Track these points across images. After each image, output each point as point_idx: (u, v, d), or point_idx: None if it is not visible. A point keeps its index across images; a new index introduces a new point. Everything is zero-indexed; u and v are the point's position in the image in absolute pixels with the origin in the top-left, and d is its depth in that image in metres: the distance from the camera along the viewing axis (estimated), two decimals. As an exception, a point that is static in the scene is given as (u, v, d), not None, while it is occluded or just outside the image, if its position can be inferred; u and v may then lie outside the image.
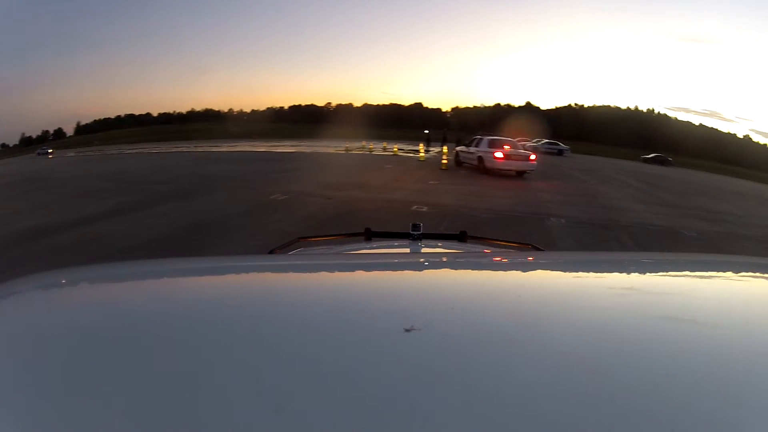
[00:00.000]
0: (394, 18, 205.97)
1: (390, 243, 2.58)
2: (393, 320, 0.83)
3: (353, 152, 38.28)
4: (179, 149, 38.49)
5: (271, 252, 2.21)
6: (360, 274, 1.37)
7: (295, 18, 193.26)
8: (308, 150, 39.14)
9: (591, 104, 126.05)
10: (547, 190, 20.52)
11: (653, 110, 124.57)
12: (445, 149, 28.43)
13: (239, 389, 0.63)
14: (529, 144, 56.49)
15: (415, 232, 2.25)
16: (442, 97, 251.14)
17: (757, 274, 1.37)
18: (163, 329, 0.87)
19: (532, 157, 25.33)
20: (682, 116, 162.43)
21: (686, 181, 36.60)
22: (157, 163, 27.53)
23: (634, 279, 1.31)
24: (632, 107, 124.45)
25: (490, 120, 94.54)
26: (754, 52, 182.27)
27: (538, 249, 2.36)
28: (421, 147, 35.67)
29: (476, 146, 26.62)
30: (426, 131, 52.18)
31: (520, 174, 25.16)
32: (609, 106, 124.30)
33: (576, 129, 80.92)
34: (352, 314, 0.94)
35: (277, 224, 11.02)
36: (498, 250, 2.49)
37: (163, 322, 0.90)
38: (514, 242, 2.65)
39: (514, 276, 1.36)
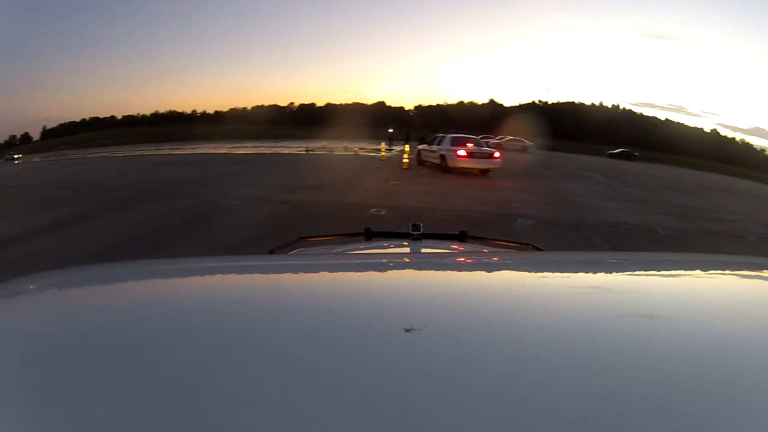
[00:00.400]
0: (357, 17, 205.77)
1: (390, 243, 2.59)
2: (393, 320, 0.84)
3: (314, 153, 37.71)
4: (140, 152, 37.82)
5: (271, 252, 2.22)
6: (360, 274, 1.38)
7: (256, 19, 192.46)
8: (269, 151, 38.43)
9: (555, 101, 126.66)
10: (513, 189, 20.04)
11: (618, 106, 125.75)
12: (407, 148, 27.81)
13: (239, 389, 0.64)
14: (492, 141, 56.18)
15: (415, 232, 2.28)
16: (405, 96, 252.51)
17: (757, 274, 1.39)
18: (164, 329, 0.88)
19: (496, 154, 24.83)
20: (648, 112, 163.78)
21: (654, 175, 36.39)
22: (115, 167, 26.60)
23: (634, 279, 1.34)
24: (597, 103, 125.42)
25: (453, 118, 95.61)
26: (719, 48, 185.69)
27: (538, 249, 2.36)
28: (383, 146, 35.30)
29: (438, 144, 26.00)
30: (390, 130, 51.36)
31: (483, 172, 24.71)
32: (573, 102, 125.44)
33: (540, 126, 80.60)
34: (352, 314, 0.95)
35: (223, 234, 10.32)
36: (498, 250, 2.50)
37: (163, 322, 0.92)
38: (514, 242, 2.73)
39: (514, 276, 1.38)
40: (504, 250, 2.54)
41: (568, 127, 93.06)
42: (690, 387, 0.68)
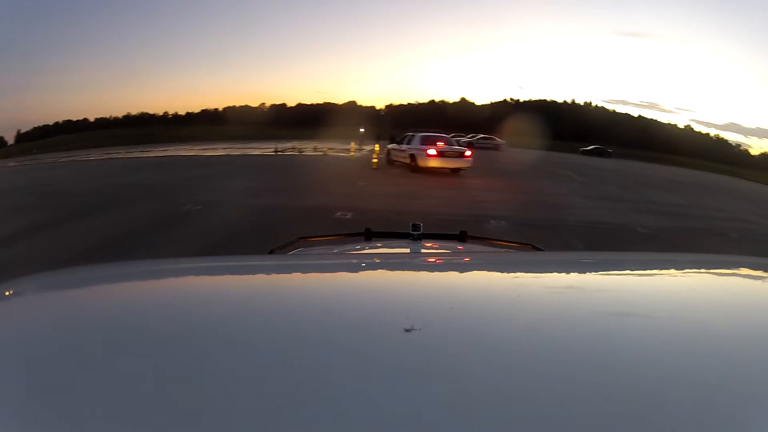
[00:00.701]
0: (327, 16, 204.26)
1: (390, 243, 2.63)
2: (393, 320, 0.86)
3: (283, 154, 36.74)
4: (111, 156, 36.43)
5: (271, 252, 2.24)
6: (360, 274, 1.40)
7: (227, 18, 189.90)
8: (238, 153, 37.33)
9: (527, 99, 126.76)
10: (485, 189, 19.54)
11: (591, 103, 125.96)
12: (377, 148, 27.17)
13: (240, 389, 0.65)
14: (463, 140, 55.80)
15: (415, 232, 2.31)
16: (377, 95, 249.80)
17: (757, 274, 1.41)
18: (164, 329, 0.89)
19: (467, 153, 24.37)
20: (621, 108, 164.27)
21: (629, 172, 36.21)
22: (83, 172, 25.35)
23: (634, 279, 1.37)
24: (569, 101, 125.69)
25: (424, 116, 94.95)
26: (692, 45, 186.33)
27: (538, 249, 2.41)
28: (353, 146, 34.37)
29: (408, 143, 25.37)
30: (361, 130, 50.71)
31: (455, 172, 24.18)
32: (545, 100, 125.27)
33: (512, 124, 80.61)
34: (352, 314, 0.96)
35: (178, 245, 9.59)
36: (498, 250, 2.60)
37: (163, 322, 0.93)
38: (514, 242, 2.75)
39: (514, 276, 1.39)
40: (504, 250, 2.58)
41: (540, 124, 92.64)
42: (690, 387, 0.69)
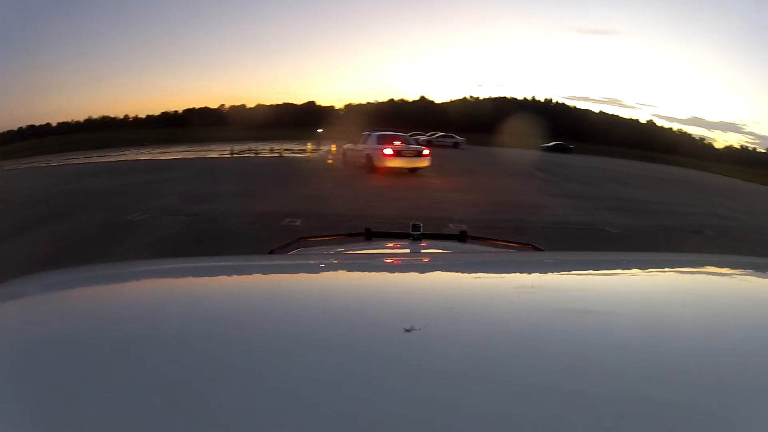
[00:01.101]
0: (288, 16, 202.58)
1: (390, 243, 2.69)
2: (393, 320, 0.87)
3: (239, 156, 35.86)
4: (69, 161, 35.34)
5: (271, 252, 2.27)
6: (360, 274, 1.42)
7: (188, 20, 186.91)
8: (194, 156, 36.32)
9: (487, 96, 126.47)
10: (444, 189, 18.66)
11: (551, 100, 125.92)
12: (333, 148, 26.72)
13: (239, 389, 0.65)
14: (422, 138, 55.15)
15: (415, 232, 2.35)
16: (337, 95, 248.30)
17: (757, 273, 1.43)
18: (164, 329, 0.90)
19: (426, 152, 23.66)
20: (582, 105, 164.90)
21: (593, 168, 35.68)
22: (39, 179, 24.33)
23: (634, 279, 1.38)
24: (529, 98, 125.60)
25: (384, 115, 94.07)
26: (652, 41, 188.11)
27: (538, 249, 2.45)
28: (309, 147, 33.75)
29: (364, 143, 24.49)
30: (318, 130, 49.75)
31: (413, 171, 23.48)
32: (505, 97, 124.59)
33: (472, 121, 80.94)
34: (352, 314, 0.96)
35: (114, 259, 8.49)
36: (498, 250, 2.60)
37: (163, 322, 0.94)
38: (514, 242, 2.87)
39: (514, 276, 1.40)
40: (504, 250, 2.63)
41: (500, 121, 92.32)
42: (690, 387, 0.69)
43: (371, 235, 2.66)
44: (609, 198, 19.23)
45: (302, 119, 79.91)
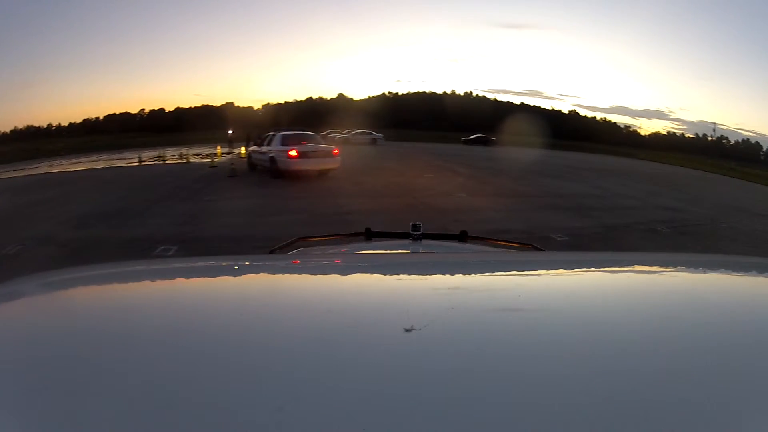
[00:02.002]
0: (203, 18, 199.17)
1: (390, 243, 2.71)
2: (393, 320, 0.87)
3: (146, 164, 33.31)
4: None
5: (271, 252, 2.30)
6: (360, 274, 1.42)
7: (105, 24, 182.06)
8: (102, 165, 33.60)
9: (406, 92, 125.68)
10: (356, 193, 16.89)
11: (471, 93, 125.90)
12: (243, 151, 25.10)
13: (240, 388, 0.67)
14: (339, 136, 54.71)
15: (415, 232, 2.38)
16: (255, 96, 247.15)
17: (757, 273, 1.44)
18: (164, 329, 0.91)
19: (335, 152, 21.77)
20: (502, 97, 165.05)
21: (519, 160, 33.50)
22: None
23: (634, 279, 1.38)
24: (449, 92, 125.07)
25: (302, 114, 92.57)
26: (571, 34, 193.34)
27: (538, 249, 2.45)
28: (219, 150, 32.50)
29: (268, 144, 22.26)
30: (229, 131, 47.39)
31: (323, 174, 21.45)
32: (425, 92, 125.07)
33: (392, 117, 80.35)
34: (353, 314, 0.97)
35: None
36: (498, 250, 2.55)
37: (163, 321, 0.95)
38: (514, 242, 2.86)
39: (514, 276, 1.41)
40: (504, 250, 2.57)
41: (421, 116, 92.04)
42: (690, 386, 0.70)
43: (371, 235, 2.66)
44: (543, 195, 17.67)
45: (221, 121, 77.98)
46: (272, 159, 21.21)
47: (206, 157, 33.98)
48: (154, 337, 0.86)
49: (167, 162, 33.62)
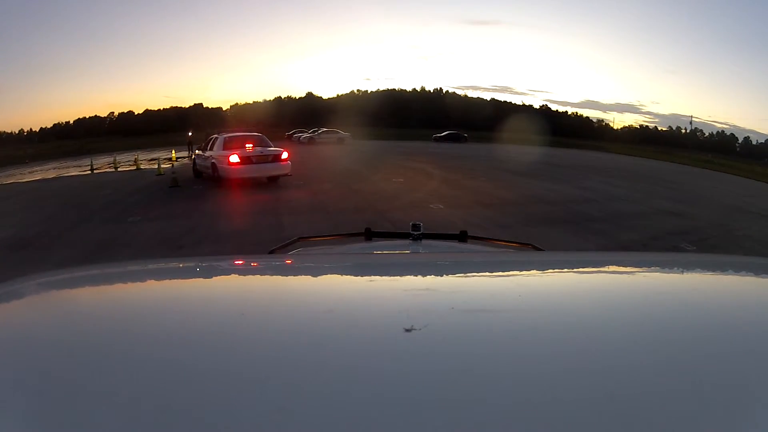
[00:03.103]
0: (169, 20, 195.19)
1: (390, 243, 2.62)
2: (393, 320, 0.86)
3: (97, 171, 30.41)
4: None
5: (271, 252, 2.24)
6: (360, 274, 1.42)
7: (74, 26, 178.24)
8: (54, 174, 30.74)
9: (375, 89, 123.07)
10: (307, 208, 13.67)
11: (441, 90, 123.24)
12: (193, 156, 22.05)
13: (240, 388, 0.66)
14: (305, 135, 54.00)
15: (415, 232, 2.31)
16: (223, 96, 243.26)
17: (757, 274, 1.41)
18: (164, 329, 0.90)
19: (284, 156, 18.67)
20: (472, 93, 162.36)
21: (495, 158, 31.11)
22: None
23: (634, 279, 1.36)
24: (418, 89, 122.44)
25: (270, 113, 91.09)
26: (539, 30, 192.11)
27: (538, 249, 2.37)
28: (173, 154, 30.24)
29: (211, 149, 19.46)
30: (189, 133, 44.45)
31: (273, 180, 18.79)
32: (394, 89, 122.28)
33: (361, 115, 78.30)
34: (353, 314, 0.96)
35: None
36: (498, 250, 2.53)
37: (163, 321, 0.94)
38: (514, 242, 2.79)
39: (514, 276, 1.40)
40: (504, 250, 2.55)
41: (390, 114, 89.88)
42: (690, 386, 0.69)
43: (371, 235, 2.58)
44: (529, 201, 14.99)
45: (188, 122, 75.78)
46: (213, 165, 18.43)
47: (164, 162, 30.58)
48: (154, 337, 0.84)
49: (118, 170, 30.46)
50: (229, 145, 18.15)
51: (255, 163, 17.62)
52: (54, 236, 11.55)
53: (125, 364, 0.73)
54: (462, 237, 2.51)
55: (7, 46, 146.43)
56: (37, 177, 30.36)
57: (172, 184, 18.84)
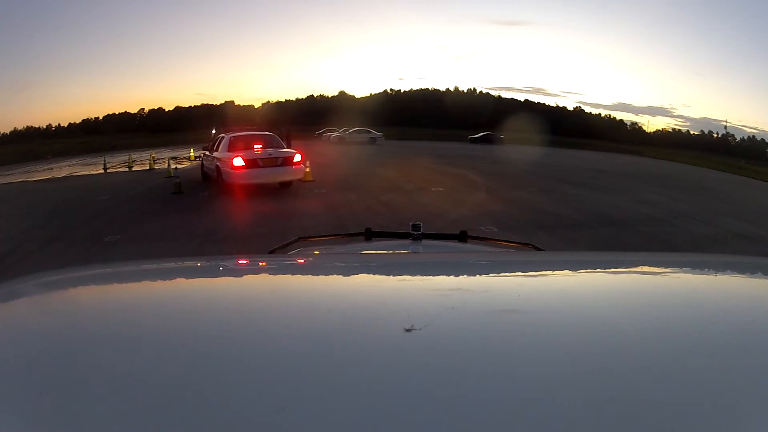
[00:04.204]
0: (204, 17, 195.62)
1: (390, 243, 2.60)
2: (393, 320, 0.85)
3: (110, 171, 28.51)
4: None
5: (271, 252, 2.21)
6: (360, 274, 1.40)
7: (105, 23, 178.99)
8: (64, 173, 28.67)
9: (408, 89, 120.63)
10: (323, 227, 10.65)
11: (475, 90, 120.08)
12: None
13: (240, 389, 0.66)
14: (335, 134, 51.28)
15: (415, 232, 2.29)
16: (255, 93, 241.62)
17: (757, 274, 1.40)
18: (164, 329, 0.89)
19: (297, 158, 15.88)
20: (506, 94, 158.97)
21: (538, 163, 27.90)
22: None
23: (634, 279, 1.35)
24: (452, 89, 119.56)
25: (303, 112, 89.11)
26: (571, 30, 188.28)
27: (538, 249, 2.33)
28: (192, 154, 28.15)
29: (216, 150, 16.82)
30: (213, 131, 42.09)
31: (285, 186, 16.18)
32: (427, 89, 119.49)
33: (394, 115, 77.06)
34: (353, 314, 0.95)
35: None
36: (498, 250, 2.48)
37: (163, 321, 0.93)
38: (514, 242, 2.69)
39: (514, 276, 1.39)
40: (504, 250, 2.48)
41: (423, 114, 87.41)
42: (690, 387, 0.68)
43: (371, 235, 2.54)
44: (594, 220, 12.08)
45: (220, 120, 73.80)
46: (218, 168, 16.05)
47: (181, 162, 29.11)
48: (154, 337, 0.84)
49: (132, 169, 28.32)
50: (234, 146, 15.60)
51: (262, 167, 14.98)
52: (18, 256, 9.36)
53: (125, 364, 0.72)
54: (462, 237, 2.44)
55: (39, 42, 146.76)
56: (44, 177, 28.21)
57: (175, 190, 16.35)
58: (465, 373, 0.69)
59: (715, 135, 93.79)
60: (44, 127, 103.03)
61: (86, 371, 0.71)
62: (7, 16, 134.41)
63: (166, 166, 25.02)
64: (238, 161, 14.58)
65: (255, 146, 15.43)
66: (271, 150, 15.62)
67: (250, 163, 14.67)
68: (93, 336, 0.85)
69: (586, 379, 0.68)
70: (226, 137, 16.20)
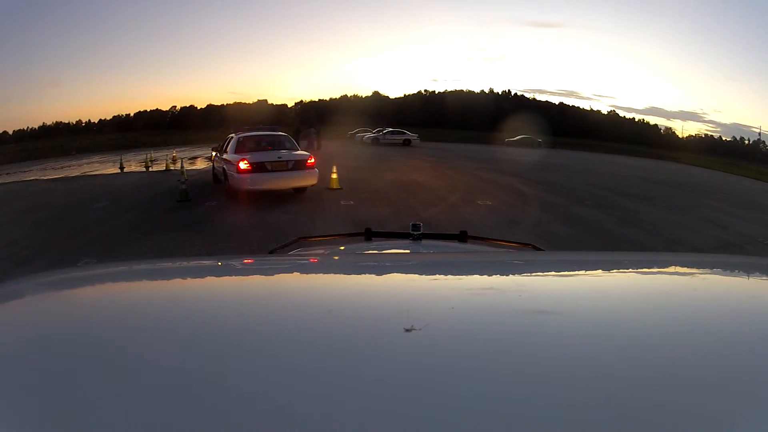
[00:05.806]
0: (238, 15, 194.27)
1: (390, 243, 2.58)
2: (393, 320, 0.85)
3: (126, 171, 27.12)
4: None
5: (271, 252, 2.21)
6: (360, 274, 1.38)
7: (138, 21, 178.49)
8: (78, 172, 27.79)
9: (443, 90, 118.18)
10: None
11: (510, 92, 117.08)
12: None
13: (240, 389, 0.65)
14: (367, 135, 49.02)
15: (415, 232, 2.26)
16: (289, 93, 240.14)
17: (757, 274, 1.39)
18: (164, 329, 0.89)
19: (310, 161, 14.03)
20: (540, 97, 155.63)
21: (585, 171, 25.74)
22: None
23: (634, 279, 1.34)
24: (486, 90, 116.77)
25: (336, 111, 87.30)
26: (605, 33, 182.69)
27: (538, 249, 2.31)
28: (213, 154, 24.77)
29: (225, 151, 14.98)
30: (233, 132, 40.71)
31: (298, 191, 14.27)
32: (462, 90, 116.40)
33: (429, 116, 76.67)
34: (353, 314, 0.95)
35: None
36: (498, 250, 2.46)
37: (163, 321, 0.93)
38: (514, 242, 2.66)
39: (514, 276, 1.38)
40: (504, 250, 2.46)
41: (458, 115, 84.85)
42: (690, 386, 0.68)
43: (371, 235, 2.52)
44: (665, 245, 9.95)
45: (252, 118, 72.36)
46: (224, 172, 14.38)
47: (198, 164, 28.60)
48: (154, 337, 0.83)
49: (150, 169, 27.21)
50: (241, 147, 13.65)
51: (271, 171, 13.13)
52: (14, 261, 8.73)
53: (125, 363, 0.72)
54: (462, 237, 2.43)
55: (72, 38, 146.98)
56: (56, 176, 26.70)
57: (181, 197, 14.42)
58: (465, 373, 0.68)
59: (746, 141, 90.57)
60: (74, 122, 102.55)
61: (86, 371, 0.70)
62: (42, 13, 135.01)
63: (186, 166, 22.85)
64: (243, 164, 12.68)
65: (262, 148, 13.64)
66: (281, 152, 13.74)
67: (257, 166, 12.78)
68: (93, 336, 0.83)
69: (586, 378, 0.68)
70: (235, 137, 14.29)
